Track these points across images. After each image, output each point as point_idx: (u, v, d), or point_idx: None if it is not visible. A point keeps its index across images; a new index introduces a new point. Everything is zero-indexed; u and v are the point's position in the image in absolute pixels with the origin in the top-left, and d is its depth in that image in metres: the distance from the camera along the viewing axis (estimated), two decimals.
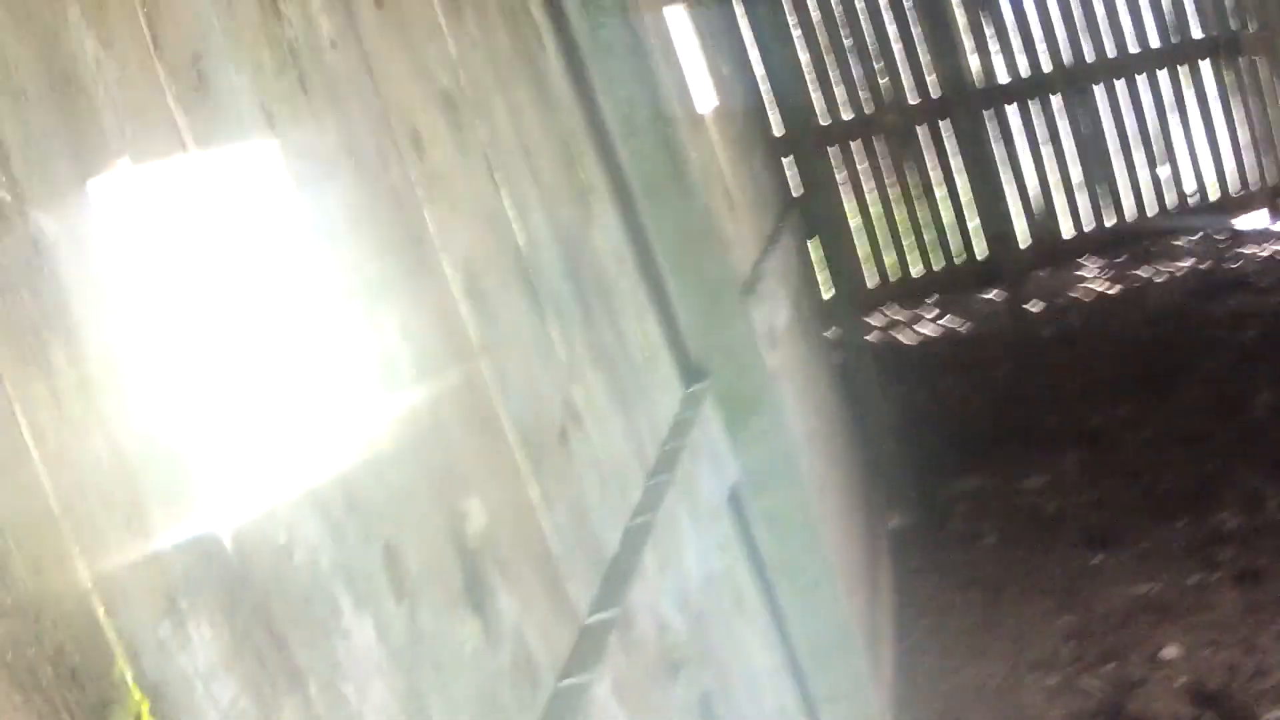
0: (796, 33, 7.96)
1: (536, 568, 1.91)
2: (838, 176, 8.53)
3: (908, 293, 9.21)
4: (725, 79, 5.83)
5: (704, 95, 5.13)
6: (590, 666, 1.85)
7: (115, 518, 1.02)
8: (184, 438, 1.14)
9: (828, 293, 7.06)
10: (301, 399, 1.35)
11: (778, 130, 7.38)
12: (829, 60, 8.22)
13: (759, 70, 6.95)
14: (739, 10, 6.93)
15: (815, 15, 8.10)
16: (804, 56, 8.06)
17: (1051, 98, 8.87)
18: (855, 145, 8.60)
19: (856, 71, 8.41)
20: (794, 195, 6.82)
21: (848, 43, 8.19)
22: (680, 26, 5.03)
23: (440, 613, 1.53)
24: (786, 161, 7.09)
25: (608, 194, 3.18)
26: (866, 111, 8.52)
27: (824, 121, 8.22)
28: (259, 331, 1.30)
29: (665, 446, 2.98)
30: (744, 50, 6.84)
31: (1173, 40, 9.20)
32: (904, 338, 9.15)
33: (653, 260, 3.34)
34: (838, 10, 8.15)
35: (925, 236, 9.22)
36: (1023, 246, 9.06)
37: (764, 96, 7.23)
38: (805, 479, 3.62)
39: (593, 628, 2.02)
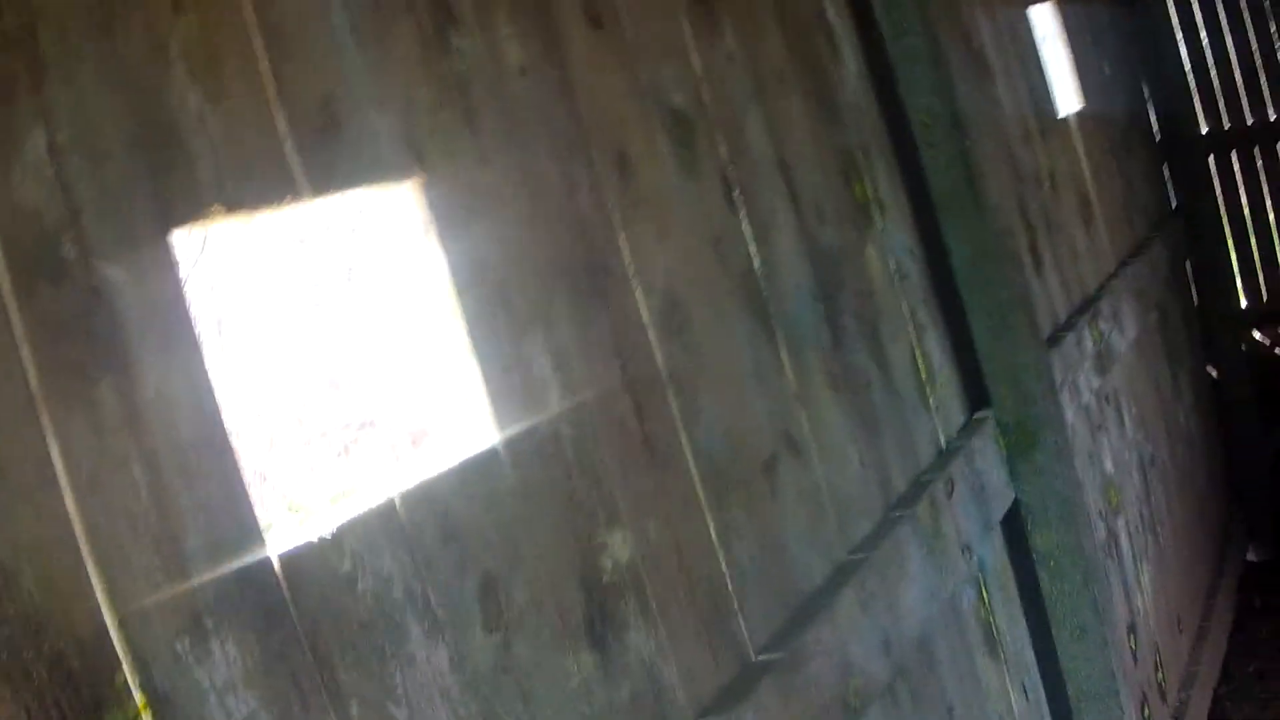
0: (1179, 33, 7.30)
1: (693, 604, 1.89)
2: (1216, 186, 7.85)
3: None
4: (1102, 79, 5.51)
5: (1068, 98, 4.87)
6: (729, 708, 1.84)
7: (143, 542, 1.12)
8: (244, 463, 1.23)
9: (1203, 308, 6.61)
10: (396, 423, 1.41)
11: (1156, 135, 6.90)
12: (1211, 62, 7.50)
13: (1141, 70, 6.52)
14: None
15: (1199, 15, 7.42)
16: (1186, 58, 7.42)
17: None
18: (1235, 154, 7.88)
19: (1240, 76, 7.66)
20: (1171, 206, 6.39)
21: (1232, 45, 7.44)
22: (1045, 25, 4.79)
23: (543, 645, 1.56)
24: (1164, 169, 6.65)
25: (898, 208, 3.08)
26: (1248, 120, 7.75)
27: (1203, 128, 7.56)
28: (344, 336, 1.37)
29: (922, 477, 2.88)
30: (1126, 48, 6.41)
31: None
32: None
33: (945, 278, 3.23)
34: (1222, 11, 7.43)
35: None
36: None
37: (1145, 98, 6.77)
38: (1085, 517, 3.42)
39: (756, 667, 1.99)
